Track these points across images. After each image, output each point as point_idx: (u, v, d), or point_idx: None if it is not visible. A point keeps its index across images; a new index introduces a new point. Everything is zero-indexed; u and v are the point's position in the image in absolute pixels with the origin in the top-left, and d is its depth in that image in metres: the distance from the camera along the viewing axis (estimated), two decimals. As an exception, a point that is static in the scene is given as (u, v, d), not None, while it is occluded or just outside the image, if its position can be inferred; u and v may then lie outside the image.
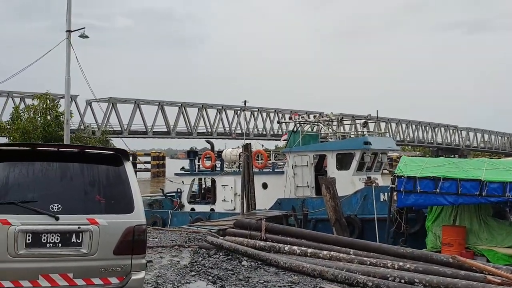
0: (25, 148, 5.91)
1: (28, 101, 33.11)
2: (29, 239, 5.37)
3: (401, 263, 8.81)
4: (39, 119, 28.34)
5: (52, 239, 5.44)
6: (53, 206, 5.45)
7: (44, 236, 5.41)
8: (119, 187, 5.82)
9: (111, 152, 6.11)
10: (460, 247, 14.58)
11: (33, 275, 5.36)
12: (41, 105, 28.76)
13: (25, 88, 69.21)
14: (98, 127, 67.92)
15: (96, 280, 5.57)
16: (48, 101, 29.45)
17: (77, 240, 5.51)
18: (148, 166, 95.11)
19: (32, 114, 28.68)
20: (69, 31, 18.58)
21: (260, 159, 25.55)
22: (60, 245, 5.46)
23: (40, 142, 26.40)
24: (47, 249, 5.42)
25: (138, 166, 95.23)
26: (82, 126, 46.13)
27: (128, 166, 6.00)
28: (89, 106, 74.15)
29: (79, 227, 5.49)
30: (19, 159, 5.72)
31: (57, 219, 5.41)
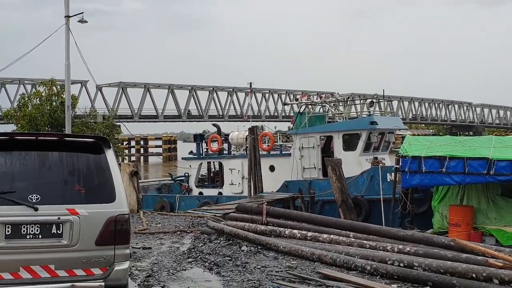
0: (3, 137, 5.75)
1: (39, 88, 33.10)
2: (8, 231, 5.25)
3: (401, 246, 8.60)
4: (46, 105, 28.29)
5: (32, 231, 5.32)
6: (32, 196, 5.32)
7: (24, 227, 5.29)
8: (100, 176, 5.66)
9: (92, 140, 5.94)
10: (468, 227, 14.32)
11: (14, 267, 5.26)
12: (46, 91, 28.74)
13: (42, 75, 69.67)
14: (108, 111, 68.09)
15: (78, 271, 5.46)
16: (54, 87, 29.38)
17: (58, 231, 5.38)
18: (160, 150, 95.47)
19: (38, 101, 28.66)
20: (67, 17, 18.39)
21: (266, 141, 25.34)
22: (40, 236, 5.34)
23: (45, 130, 26.44)
24: (27, 240, 5.30)
25: (150, 150, 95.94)
26: (93, 111, 46.12)
27: (110, 154, 5.83)
28: (99, 91, 74.36)
29: (59, 218, 5.36)
30: None
31: (36, 209, 5.28)
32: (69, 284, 5.35)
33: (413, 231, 10.09)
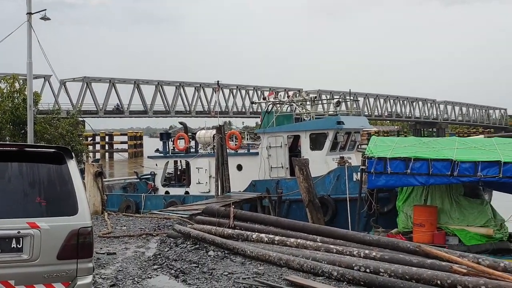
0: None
1: (0, 85, 32.25)
2: None
3: (367, 251, 8.65)
4: (7, 102, 27.55)
5: None
6: None
7: None
8: (62, 188, 5.51)
9: (53, 150, 5.76)
10: (432, 227, 14.53)
11: None
12: (8, 88, 27.98)
13: (3, 69, 67.92)
14: (73, 107, 66.87)
15: (39, 286, 5.32)
16: (17, 82, 28.64)
17: (18, 245, 5.23)
18: (125, 146, 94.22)
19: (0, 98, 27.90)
20: (29, 14, 17.88)
21: (234, 140, 25.25)
22: None
23: (7, 128, 25.81)
24: None
25: (115, 146, 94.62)
26: (57, 106, 45.30)
27: (71, 164, 5.67)
28: (63, 86, 72.88)
29: (18, 232, 5.21)
30: None
31: None
32: None
33: (379, 236, 10.14)
